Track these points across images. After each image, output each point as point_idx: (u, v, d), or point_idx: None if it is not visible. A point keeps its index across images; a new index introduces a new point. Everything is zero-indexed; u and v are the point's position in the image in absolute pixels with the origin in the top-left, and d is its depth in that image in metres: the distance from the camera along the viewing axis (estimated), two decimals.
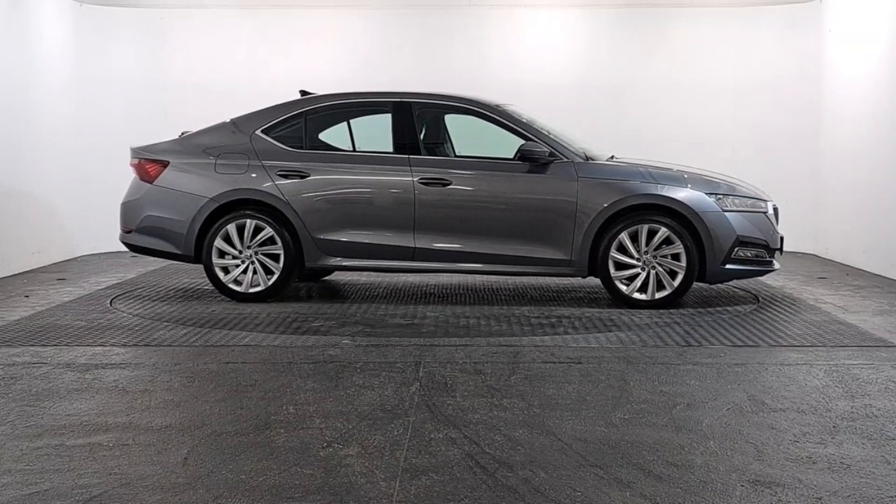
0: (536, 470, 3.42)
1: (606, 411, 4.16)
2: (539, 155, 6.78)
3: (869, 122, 8.99)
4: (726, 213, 6.78)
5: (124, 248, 7.70)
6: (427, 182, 6.84)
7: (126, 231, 7.24)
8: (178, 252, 7.05)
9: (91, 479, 3.33)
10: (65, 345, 5.54)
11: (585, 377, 4.76)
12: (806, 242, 10.46)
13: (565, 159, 6.83)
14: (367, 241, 6.88)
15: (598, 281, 8.16)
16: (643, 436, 3.80)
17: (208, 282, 7.85)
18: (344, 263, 6.96)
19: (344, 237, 6.89)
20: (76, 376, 4.79)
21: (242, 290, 6.96)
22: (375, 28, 10.62)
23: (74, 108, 10.01)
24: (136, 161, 7.22)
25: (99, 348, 5.47)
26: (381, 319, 6.36)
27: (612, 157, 7.21)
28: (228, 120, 7.25)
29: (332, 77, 9.75)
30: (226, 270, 6.96)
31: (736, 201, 6.90)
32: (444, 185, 6.84)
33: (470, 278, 8.27)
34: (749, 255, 6.86)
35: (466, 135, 7.61)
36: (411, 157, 6.93)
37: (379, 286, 7.87)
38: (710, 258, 6.71)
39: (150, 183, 7.08)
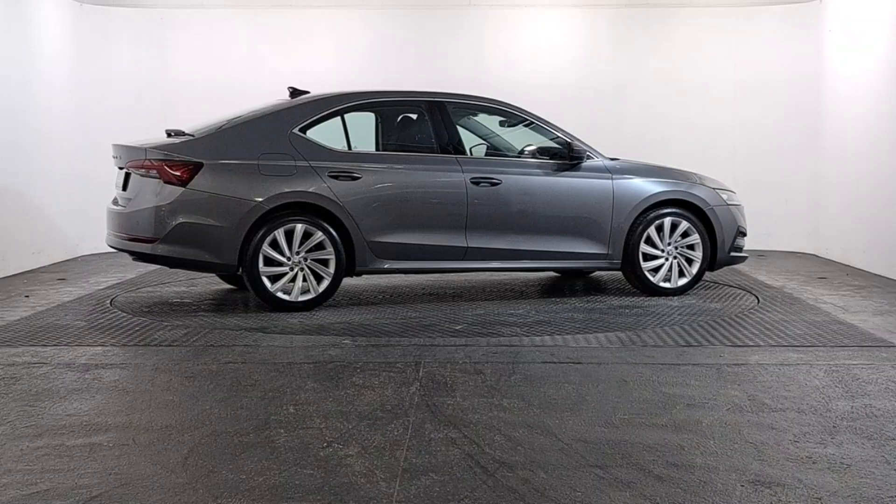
0: (536, 470, 3.41)
1: (606, 411, 4.15)
2: (581, 154, 7.14)
3: (869, 122, 8.99)
4: (729, 206, 7.46)
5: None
6: (477, 181, 6.87)
7: (146, 240, 6.45)
8: (218, 262, 6.44)
9: (91, 479, 3.33)
10: (65, 345, 5.54)
11: (585, 377, 4.76)
12: (806, 242, 10.47)
13: (596, 159, 7.23)
14: (420, 241, 6.77)
15: (596, 275, 8.23)
16: (643, 436, 3.80)
17: (211, 282, 7.83)
18: (395, 266, 6.77)
19: (397, 239, 6.72)
20: (76, 376, 4.79)
21: (292, 299, 6.52)
22: (375, 28, 10.62)
23: (74, 108, 10.01)
24: (151, 162, 6.45)
25: (99, 348, 5.47)
26: (380, 320, 6.36)
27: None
28: (239, 118, 6.80)
29: (332, 77, 9.75)
30: (271, 279, 6.50)
31: (726, 195, 7.56)
32: (494, 184, 6.90)
33: (471, 278, 8.26)
34: (740, 243, 7.57)
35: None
36: (458, 156, 6.95)
37: (376, 287, 7.86)
38: (720, 247, 7.36)
39: (182, 186, 6.36)
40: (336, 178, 6.60)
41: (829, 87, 10.04)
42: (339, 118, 6.91)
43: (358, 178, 6.65)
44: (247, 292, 7.44)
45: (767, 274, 8.63)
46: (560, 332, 5.92)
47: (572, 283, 8.09)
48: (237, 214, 6.39)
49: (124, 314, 6.56)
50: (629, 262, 7.18)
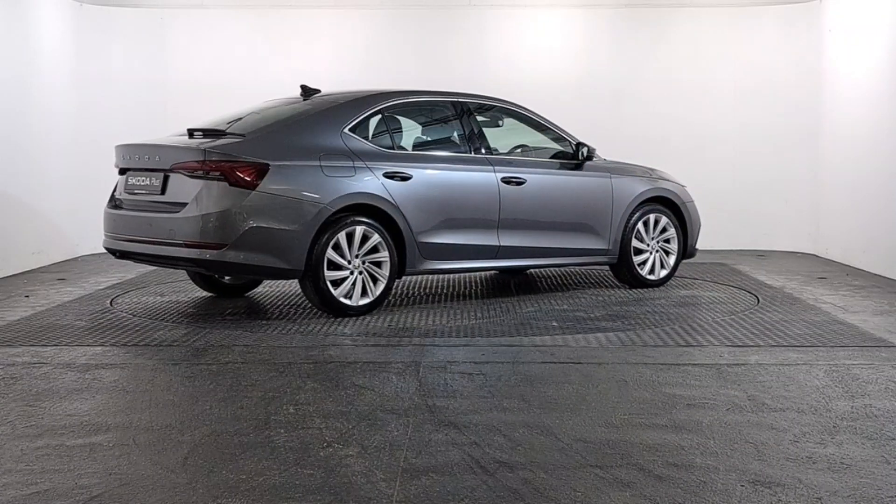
0: (536, 470, 3.41)
1: (606, 411, 4.15)
2: (592, 153, 7.50)
3: (869, 122, 8.99)
4: (692, 202, 8.05)
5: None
6: (507, 181, 7.00)
7: (212, 247, 5.99)
8: (286, 267, 6.12)
9: (91, 479, 3.33)
10: (65, 345, 5.54)
11: (585, 377, 4.76)
12: (806, 242, 10.47)
13: (596, 159, 7.60)
14: (460, 241, 6.79)
15: (581, 271, 8.24)
16: (643, 436, 3.80)
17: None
18: (438, 266, 6.75)
19: (441, 239, 6.69)
20: (76, 376, 4.79)
21: (353, 304, 6.33)
22: (375, 28, 10.62)
23: (74, 108, 10.02)
24: (214, 163, 6.02)
25: (99, 348, 5.47)
26: (379, 320, 6.35)
27: None
28: (276, 116, 6.63)
29: (332, 77, 9.75)
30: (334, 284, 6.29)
31: (687, 190, 8.12)
32: (520, 183, 7.05)
33: (470, 277, 8.27)
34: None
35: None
36: (488, 156, 7.06)
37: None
38: (690, 241, 7.97)
39: (251, 189, 6.01)
40: (391, 178, 6.48)
41: (829, 87, 10.03)
42: (381, 117, 6.84)
43: (409, 178, 6.57)
44: (231, 298, 7.41)
45: (767, 274, 8.64)
46: (560, 332, 5.92)
47: (576, 277, 8.10)
48: (306, 217, 6.12)
49: (124, 314, 6.56)
50: (623, 256, 7.58)
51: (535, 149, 7.60)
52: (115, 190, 6.82)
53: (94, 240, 9.97)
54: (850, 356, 5.23)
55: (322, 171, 6.26)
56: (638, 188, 7.64)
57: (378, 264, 6.44)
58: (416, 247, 6.59)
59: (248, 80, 10.28)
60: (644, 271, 7.67)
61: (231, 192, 5.99)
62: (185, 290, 7.58)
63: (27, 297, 7.33)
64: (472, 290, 7.67)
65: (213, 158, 6.04)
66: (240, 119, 6.77)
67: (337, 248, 6.24)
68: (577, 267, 8.62)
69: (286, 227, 6.07)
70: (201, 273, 7.01)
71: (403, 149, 6.90)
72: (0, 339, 5.70)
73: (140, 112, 10.25)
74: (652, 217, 7.68)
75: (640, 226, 7.60)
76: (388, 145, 6.78)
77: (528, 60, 10.56)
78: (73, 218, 9.86)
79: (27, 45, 9.08)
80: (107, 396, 4.45)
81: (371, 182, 6.40)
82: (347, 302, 6.33)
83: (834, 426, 3.94)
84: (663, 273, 7.79)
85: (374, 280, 6.44)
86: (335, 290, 6.26)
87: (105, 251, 6.94)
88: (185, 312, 6.64)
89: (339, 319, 6.31)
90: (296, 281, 7.59)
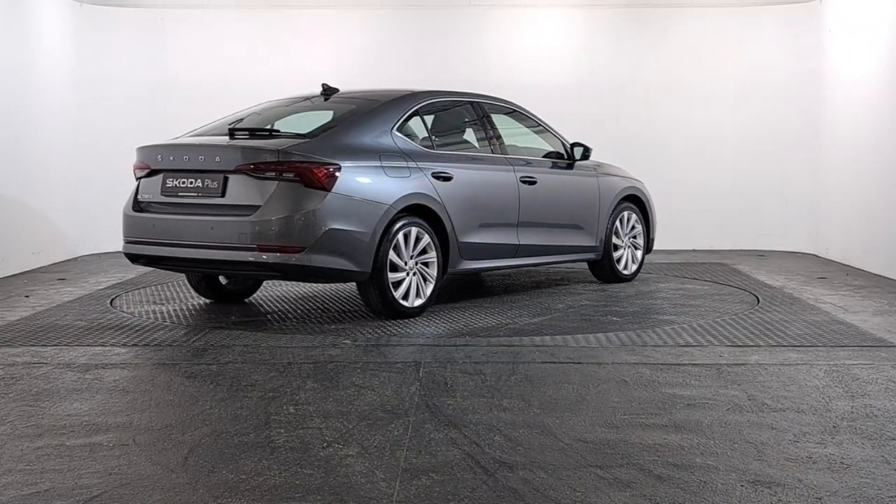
0: (536, 470, 3.41)
1: (606, 411, 4.15)
2: (589, 152, 7.71)
3: (869, 121, 8.99)
4: (651, 199, 8.39)
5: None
6: (524, 181, 7.14)
7: (289, 250, 5.78)
8: (356, 269, 5.98)
9: (91, 479, 3.33)
10: (65, 345, 5.54)
11: (585, 377, 4.76)
12: (806, 242, 10.48)
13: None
14: (489, 241, 6.85)
15: (549, 269, 8.36)
16: (643, 436, 3.80)
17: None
18: (472, 266, 6.78)
19: (475, 239, 6.72)
20: (76, 376, 4.79)
21: (409, 305, 6.27)
22: (375, 28, 10.63)
23: (74, 108, 10.02)
24: (287, 164, 5.81)
25: (99, 348, 5.47)
26: (380, 320, 6.35)
27: None
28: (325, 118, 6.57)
29: (332, 77, 9.71)
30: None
31: None
32: (532, 183, 7.20)
33: (468, 277, 8.27)
34: None
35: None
36: (507, 156, 7.19)
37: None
38: (651, 236, 8.35)
39: (327, 190, 5.84)
40: (438, 178, 6.47)
41: (829, 87, 10.04)
42: (419, 117, 6.82)
43: (451, 178, 6.56)
44: (227, 303, 7.39)
45: (767, 274, 8.64)
46: (560, 332, 5.92)
47: (568, 278, 8.11)
48: (375, 218, 6.03)
49: (124, 314, 6.56)
50: (606, 253, 7.89)
51: (527, 147, 7.64)
52: (136, 192, 6.45)
53: (94, 240, 10.02)
54: (850, 356, 5.23)
55: (384, 171, 6.20)
56: (617, 187, 7.96)
57: (426, 265, 6.41)
58: (458, 247, 6.60)
59: (248, 80, 10.29)
60: (620, 267, 8.02)
61: (308, 194, 5.81)
62: (185, 291, 7.58)
63: (27, 297, 7.33)
64: (473, 290, 7.67)
65: (290, 159, 5.83)
66: (241, 120, 6.75)
67: (395, 249, 6.17)
68: (548, 266, 8.68)
69: (359, 228, 5.97)
70: (206, 279, 6.93)
71: (441, 149, 6.87)
72: (0, 339, 5.70)
73: (140, 112, 10.26)
74: (625, 214, 8.03)
75: (617, 223, 7.93)
76: (428, 145, 6.77)
77: (528, 60, 10.56)
78: (73, 218, 9.87)
79: (27, 45, 9.09)
80: (107, 396, 4.45)
81: (423, 182, 6.38)
82: (405, 303, 6.27)
83: (834, 426, 3.94)
84: (634, 268, 8.16)
85: (424, 280, 6.41)
86: (395, 291, 6.20)
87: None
88: (185, 313, 6.63)
89: (337, 319, 6.31)
90: (293, 283, 7.67)
